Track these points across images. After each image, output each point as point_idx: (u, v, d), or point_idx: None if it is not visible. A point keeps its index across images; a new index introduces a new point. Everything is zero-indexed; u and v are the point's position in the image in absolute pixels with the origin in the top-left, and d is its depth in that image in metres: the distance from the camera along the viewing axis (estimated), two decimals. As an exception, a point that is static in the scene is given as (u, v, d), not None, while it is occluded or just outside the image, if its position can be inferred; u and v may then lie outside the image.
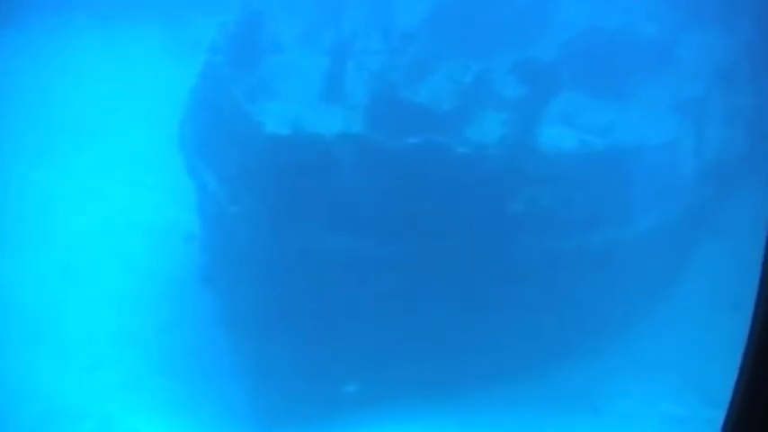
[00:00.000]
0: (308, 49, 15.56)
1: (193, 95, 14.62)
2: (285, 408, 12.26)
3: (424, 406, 12.60)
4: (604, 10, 17.30)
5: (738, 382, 3.21)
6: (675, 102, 16.04)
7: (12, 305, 14.30)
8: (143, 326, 14.27)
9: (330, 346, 12.10)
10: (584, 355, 13.64)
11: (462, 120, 13.34)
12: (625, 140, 14.00)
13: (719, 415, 3.40)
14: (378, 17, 16.19)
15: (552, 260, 12.49)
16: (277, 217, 11.60)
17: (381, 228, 11.77)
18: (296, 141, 11.54)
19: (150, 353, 13.68)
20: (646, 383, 13.79)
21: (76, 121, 18.79)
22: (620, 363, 13.90)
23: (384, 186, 11.61)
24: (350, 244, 11.75)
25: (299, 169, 11.53)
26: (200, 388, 13.00)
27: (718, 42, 18.78)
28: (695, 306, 15.04)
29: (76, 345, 13.76)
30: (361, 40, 15.58)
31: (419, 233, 11.85)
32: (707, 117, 15.84)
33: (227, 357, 12.69)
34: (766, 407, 3.13)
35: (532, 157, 12.12)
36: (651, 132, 14.45)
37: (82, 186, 17.81)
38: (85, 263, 15.79)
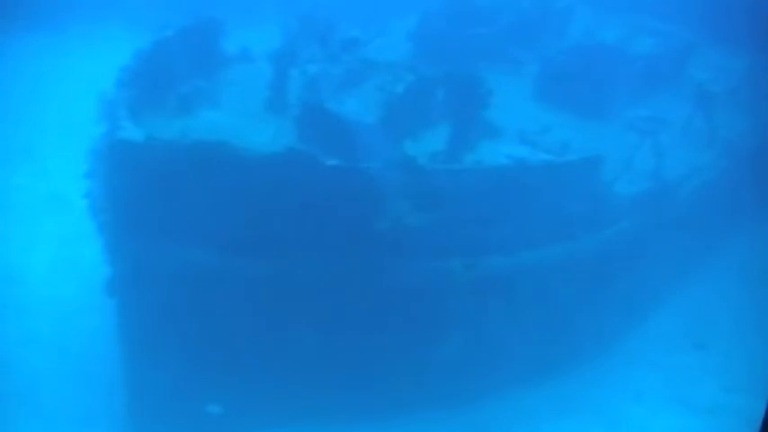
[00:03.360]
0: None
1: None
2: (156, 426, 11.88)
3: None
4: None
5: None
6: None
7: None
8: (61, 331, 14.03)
9: (195, 363, 11.65)
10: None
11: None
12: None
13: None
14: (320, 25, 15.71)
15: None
16: (146, 229, 11.22)
17: (251, 244, 11.27)
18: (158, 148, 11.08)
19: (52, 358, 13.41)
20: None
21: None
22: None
23: (253, 199, 11.13)
24: (218, 259, 11.32)
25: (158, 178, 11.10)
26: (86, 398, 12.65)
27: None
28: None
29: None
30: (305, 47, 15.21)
31: (290, 250, 11.35)
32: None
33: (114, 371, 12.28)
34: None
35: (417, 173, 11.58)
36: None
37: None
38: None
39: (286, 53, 14.49)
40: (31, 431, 12.31)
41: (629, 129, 15.75)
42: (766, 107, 16.88)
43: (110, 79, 12.50)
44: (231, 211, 11.23)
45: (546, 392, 13.36)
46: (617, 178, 13.77)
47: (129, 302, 11.70)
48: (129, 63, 12.95)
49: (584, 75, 16.31)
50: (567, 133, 14.45)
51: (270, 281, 11.46)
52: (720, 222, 16.19)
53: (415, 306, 11.98)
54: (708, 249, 16.57)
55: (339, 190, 11.20)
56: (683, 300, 16.03)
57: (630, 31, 17.86)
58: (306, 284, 11.55)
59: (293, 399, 12.03)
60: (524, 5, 18.27)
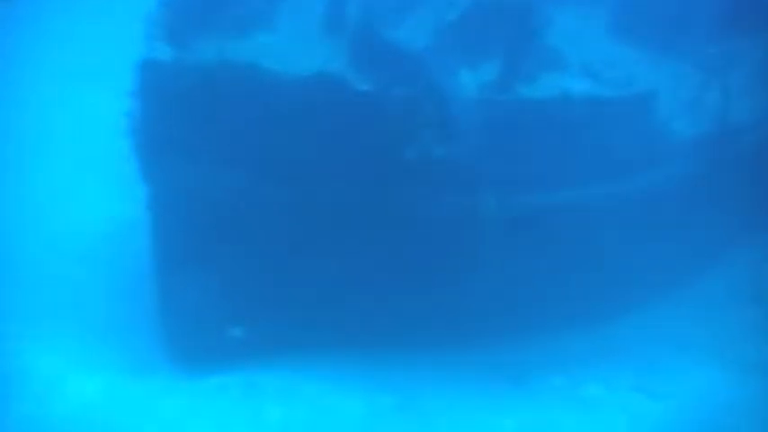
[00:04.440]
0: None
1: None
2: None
3: (320, 356, 12.11)
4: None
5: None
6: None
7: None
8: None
9: (221, 285, 11.66)
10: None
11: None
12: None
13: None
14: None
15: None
16: (178, 151, 11.18)
17: (280, 167, 11.15)
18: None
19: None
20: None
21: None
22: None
23: (284, 122, 10.95)
24: (248, 182, 11.22)
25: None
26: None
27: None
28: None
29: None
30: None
31: (318, 175, 11.18)
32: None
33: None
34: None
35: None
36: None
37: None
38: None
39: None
40: (70, 341, 12.48)
41: (700, 67, 15.02)
42: None
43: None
44: (263, 135, 11.13)
45: (584, 337, 12.94)
46: (674, 117, 13.20)
47: (162, 222, 11.70)
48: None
49: (664, 7, 15.60)
50: (635, 68, 13.87)
51: (297, 206, 11.35)
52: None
53: (445, 241, 11.70)
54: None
55: (370, 115, 10.96)
56: (743, 253, 15.33)
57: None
58: (333, 211, 11.41)
59: (316, 327, 11.98)
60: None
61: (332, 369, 12.06)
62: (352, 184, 11.38)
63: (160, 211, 11.60)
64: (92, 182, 16.33)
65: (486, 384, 12.13)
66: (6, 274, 13.76)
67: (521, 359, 12.55)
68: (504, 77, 12.59)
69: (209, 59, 11.42)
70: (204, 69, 11.02)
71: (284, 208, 11.40)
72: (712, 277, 14.91)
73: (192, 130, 11.15)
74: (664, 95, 13.27)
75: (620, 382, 12.38)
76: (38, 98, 18.56)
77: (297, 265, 11.72)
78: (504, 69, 12.65)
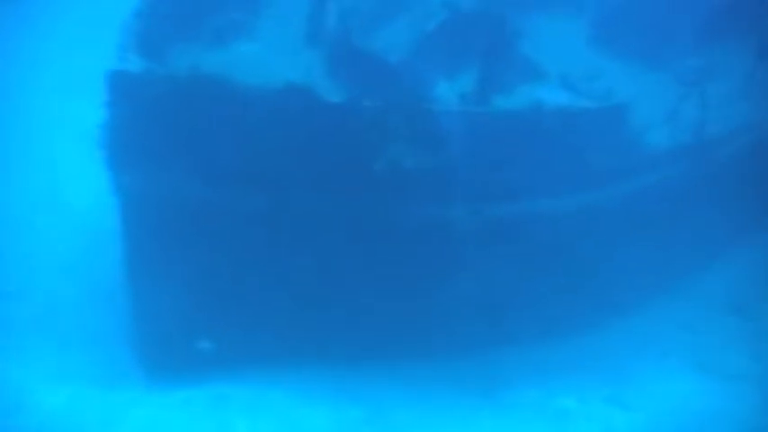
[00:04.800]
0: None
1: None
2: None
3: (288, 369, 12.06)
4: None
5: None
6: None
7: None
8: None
9: (193, 295, 11.62)
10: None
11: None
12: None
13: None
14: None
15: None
16: (149, 161, 11.17)
17: (250, 177, 11.13)
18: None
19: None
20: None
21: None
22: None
23: (254, 133, 10.93)
24: (218, 192, 11.20)
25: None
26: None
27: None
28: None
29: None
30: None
31: (289, 185, 11.17)
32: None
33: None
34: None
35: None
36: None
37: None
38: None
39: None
40: (38, 353, 12.47)
41: (679, 79, 15.01)
42: None
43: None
44: (234, 146, 11.10)
45: (559, 348, 12.91)
46: (652, 128, 13.19)
47: (131, 233, 11.68)
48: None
49: (647, 19, 15.61)
50: (613, 80, 13.85)
51: (266, 218, 11.34)
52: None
53: (416, 252, 11.70)
54: (756, 210, 15.72)
55: (340, 127, 10.95)
56: (724, 263, 15.30)
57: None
58: (303, 223, 11.40)
59: (284, 339, 11.91)
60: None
61: (300, 381, 12.01)
62: (324, 197, 11.38)
63: (130, 222, 11.56)
64: (66, 191, 16.29)
65: (456, 397, 12.07)
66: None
67: (493, 371, 12.50)
68: (480, 88, 12.59)
69: (181, 70, 11.43)
70: (175, 80, 10.99)
71: (253, 220, 11.38)
72: (692, 287, 14.90)
73: (163, 142, 11.13)
74: (641, 107, 13.28)
75: (594, 393, 12.32)
76: (15, 108, 18.56)
77: (266, 276, 11.67)
78: (480, 80, 12.66)
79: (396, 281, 11.91)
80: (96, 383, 11.85)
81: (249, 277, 11.68)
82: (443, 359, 12.41)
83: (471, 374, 12.44)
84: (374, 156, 11.04)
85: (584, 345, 13.20)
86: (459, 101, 12.23)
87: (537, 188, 12.17)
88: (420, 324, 12.19)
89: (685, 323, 14.13)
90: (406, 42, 13.15)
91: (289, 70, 12.67)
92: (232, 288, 11.72)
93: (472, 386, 12.25)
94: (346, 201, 11.41)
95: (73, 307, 13.45)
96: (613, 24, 15.77)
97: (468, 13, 13.57)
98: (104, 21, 19.19)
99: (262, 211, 11.34)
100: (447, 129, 11.29)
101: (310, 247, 11.55)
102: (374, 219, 11.49)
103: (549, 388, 12.37)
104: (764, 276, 15.23)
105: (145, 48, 11.50)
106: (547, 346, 12.90)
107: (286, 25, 14.37)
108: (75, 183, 16.40)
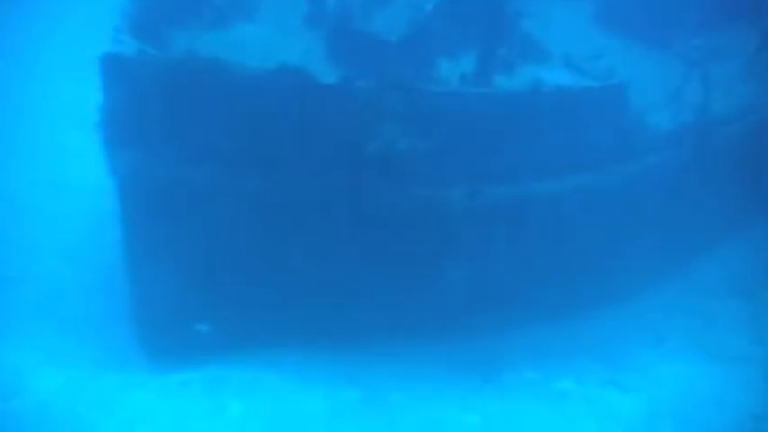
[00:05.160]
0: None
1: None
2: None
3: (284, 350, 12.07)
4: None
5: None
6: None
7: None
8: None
9: (188, 278, 11.60)
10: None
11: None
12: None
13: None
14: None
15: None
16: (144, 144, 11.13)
17: (244, 159, 11.10)
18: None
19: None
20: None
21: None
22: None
23: (248, 115, 10.87)
24: (212, 175, 11.16)
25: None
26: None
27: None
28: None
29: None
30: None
31: (283, 167, 11.15)
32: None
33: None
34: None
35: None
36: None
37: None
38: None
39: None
40: (35, 336, 12.50)
41: (684, 59, 14.86)
42: None
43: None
44: (229, 129, 11.04)
45: (559, 331, 12.86)
46: (655, 109, 13.08)
47: (128, 216, 11.66)
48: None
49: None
50: (616, 59, 13.72)
51: (262, 201, 11.29)
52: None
53: (413, 234, 11.63)
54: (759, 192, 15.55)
55: (335, 108, 10.90)
56: (730, 246, 15.18)
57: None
58: (299, 206, 11.35)
59: (281, 321, 11.91)
60: None
61: (296, 363, 12.00)
62: (320, 179, 11.32)
63: (127, 205, 11.54)
64: (69, 174, 16.30)
65: (454, 379, 12.03)
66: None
67: (492, 354, 12.45)
68: (480, 69, 12.51)
69: (176, 52, 11.41)
70: (169, 62, 10.95)
71: (249, 203, 11.33)
72: (694, 271, 14.79)
73: (158, 124, 11.09)
74: (645, 87, 13.18)
75: (593, 375, 12.27)
76: (19, 92, 18.57)
77: (261, 259, 11.64)
78: (480, 60, 12.58)
79: (393, 262, 11.85)
80: (94, 366, 11.89)
81: (245, 259, 11.64)
82: (440, 341, 12.35)
83: (469, 356, 12.39)
84: (369, 137, 10.98)
85: (583, 328, 13.14)
86: (459, 81, 12.20)
87: (537, 169, 12.07)
88: (417, 306, 12.14)
89: (687, 306, 14.03)
90: (405, 23, 13.01)
91: (288, 52, 12.67)
92: (228, 270, 11.69)
93: (470, 368, 12.22)
94: (343, 183, 11.34)
95: (73, 290, 13.47)
96: (618, 3, 15.64)
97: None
98: (111, 3, 19.35)
99: (257, 194, 11.29)
100: (443, 110, 11.21)
101: (306, 230, 11.50)
102: (371, 200, 11.43)
103: (548, 370, 12.32)
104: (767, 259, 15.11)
105: (139, 30, 11.46)
106: (545, 328, 12.84)
107: (286, 6, 14.32)
108: (78, 165, 16.38)
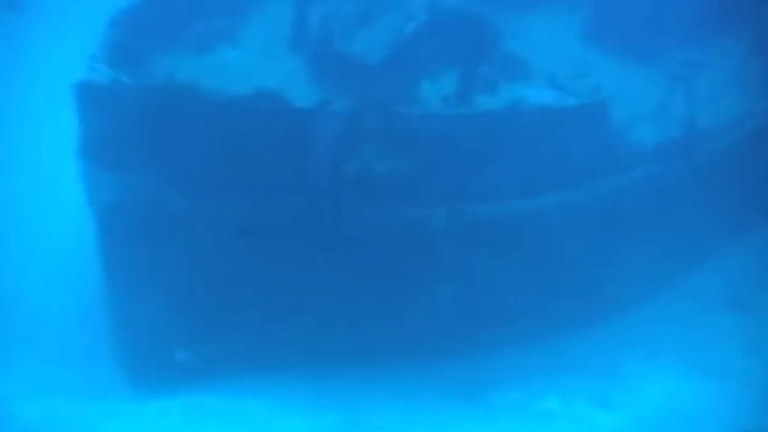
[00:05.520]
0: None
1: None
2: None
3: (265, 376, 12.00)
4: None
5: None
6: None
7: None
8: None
9: (168, 305, 11.56)
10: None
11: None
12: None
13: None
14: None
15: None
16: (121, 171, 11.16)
17: (224, 184, 11.11)
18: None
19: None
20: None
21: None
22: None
23: (224, 140, 10.91)
24: (190, 200, 11.16)
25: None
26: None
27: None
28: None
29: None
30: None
31: (263, 190, 11.18)
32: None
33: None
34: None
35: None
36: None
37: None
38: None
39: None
40: (16, 364, 12.48)
41: (668, 73, 14.81)
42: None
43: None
44: (207, 154, 11.07)
45: (545, 350, 12.73)
46: (639, 124, 13.03)
47: (108, 243, 11.67)
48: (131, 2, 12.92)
49: (639, 15, 15.44)
50: (600, 75, 13.71)
51: (241, 226, 11.30)
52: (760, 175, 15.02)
53: (395, 255, 11.60)
54: (748, 206, 15.42)
55: (311, 132, 10.91)
56: (722, 258, 15.05)
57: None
58: (279, 230, 11.35)
59: (266, 345, 11.88)
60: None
61: (277, 389, 11.94)
62: (299, 203, 11.32)
63: (105, 232, 11.55)
64: (54, 197, 16.25)
65: (438, 401, 11.95)
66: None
67: (476, 374, 12.36)
68: (461, 90, 12.52)
69: (153, 79, 11.45)
70: (143, 90, 10.98)
71: (228, 228, 11.33)
72: (686, 284, 14.66)
73: (134, 152, 11.12)
74: (630, 102, 13.17)
75: (578, 394, 12.17)
76: (8, 116, 18.57)
77: (242, 284, 11.61)
78: (461, 81, 12.58)
79: (375, 285, 11.80)
80: (75, 393, 11.85)
81: (226, 284, 11.62)
82: (424, 363, 12.27)
83: (453, 378, 12.30)
84: (347, 159, 10.99)
85: (572, 345, 13.01)
86: (441, 102, 12.21)
87: (520, 188, 12.04)
88: (400, 328, 12.08)
89: (678, 320, 13.91)
90: (387, 44, 13.03)
91: (271, 76, 12.72)
92: (209, 295, 11.66)
93: (454, 390, 12.13)
94: (323, 205, 11.34)
95: (58, 316, 13.43)
96: (605, 20, 15.60)
97: (449, 13, 13.48)
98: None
99: (237, 219, 11.28)
100: (422, 131, 11.21)
101: (286, 254, 11.48)
102: (352, 222, 11.41)
103: (533, 389, 12.22)
104: (761, 271, 14.97)
105: (118, 57, 11.50)
106: (532, 346, 12.72)
107: (270, 31, 14.39)
108: (66, 191, 16.34)
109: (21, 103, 18.93)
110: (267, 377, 11.99)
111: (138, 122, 10.97)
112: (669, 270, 14.50)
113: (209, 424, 11.38)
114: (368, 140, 11.02)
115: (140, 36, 12.54)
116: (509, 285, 12.34)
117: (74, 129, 11.52)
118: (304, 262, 11.54)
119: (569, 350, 12.95)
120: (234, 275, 11.55)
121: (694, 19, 15.59)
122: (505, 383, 12.31)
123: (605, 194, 12.77)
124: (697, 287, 14.70)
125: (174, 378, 11.79)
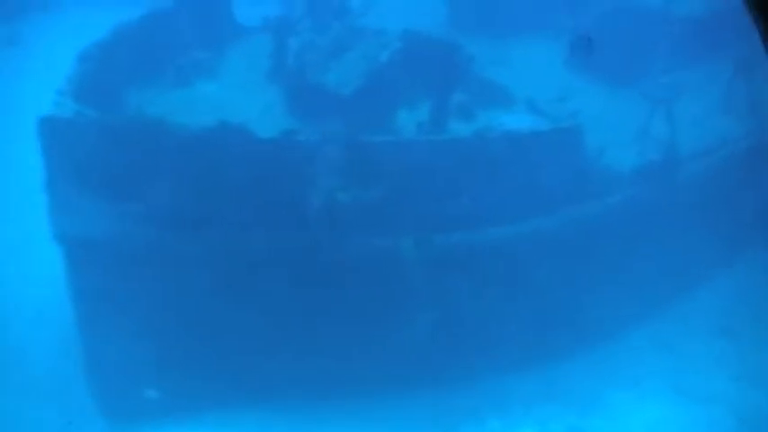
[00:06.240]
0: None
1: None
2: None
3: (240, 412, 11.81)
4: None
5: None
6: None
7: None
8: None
9: (136, 341, 11.39)
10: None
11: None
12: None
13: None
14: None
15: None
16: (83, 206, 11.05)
17: (189, 219, 10.91)
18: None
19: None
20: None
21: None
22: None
23: (189, 175, 10.80)
24: (158, 234, 11.00)
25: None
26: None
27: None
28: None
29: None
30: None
31: (230, 224, 10.96)
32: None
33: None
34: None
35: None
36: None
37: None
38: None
39: (282, 24, 14.25)
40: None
41: (649, 96, 14.65)
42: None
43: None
44: (173, 189, 10.97)
45: (527, 378, 12.51)
46: (616, 148, 12.87)
47: (76, 280, 11.57)
48: (104, 37, 12.90)
49: (621, 40, 15.32)
50: (584, 102, 13.57)
51: (212, 260, 11.14)
52: (746, 198, 14.78)
53: (367, 286, 11.41)
54: (734, 230, 15.13)
55: (274, 164, 10.81)
56: (709, 286, 14.82)
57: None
58: (247, 264, 11.17)
59: (236, 382, 11.72)
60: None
61: (251, 424, 11.76)
62: (270, 237, 11.17)
63: (74, 269, 11.44)
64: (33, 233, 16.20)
65: (418, 432, 11.76)
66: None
67: (456, 404, 12.14)
68: (435, 116, 12.43)
69: (117, 114, 11.42)
70: (108, 124, 10.94)
71: (196, 263, 11.16)
72: (674, 308, 14.41)
73: (99, 187, 11.04)
74: (609, 126, 13.03)
75: (558, 422, 11.95)
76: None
77: (212, 320, 11.42)
78: (435, 108, 12.49)
79: (348, 317, 11.59)
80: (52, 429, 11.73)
81: (195, 322, 11.42)
82: (400, 396, 12.04)
83: (433, 409, 12.09)
84: (311, 191, 10.86)
85: (555, 373, 12.79)
86: (416, 130, 12.11)
87: (493, 215, 11.86)
88: (375, 361, 11.84)
89: (663, 346, 13.66)
90: (360, 74, 12.97)
91: (249, 108, 12.68)
92: (180, 333, 11.49)
93: (432, 421, 11.91)
94: (291, 238, 11.20)
95: (35, 351, 13.27)
96: (589, 46, 15.48)
97: (423, 41, 13.42)
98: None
99: (207, 254, 11.13)
100: (393, 159, 11.09)
101: (259, 289, 11.27)
102: (320, 255, 11.23)
103: (512, 419, 12.00)
104: (749, 297, 14.70)
105: (82, 91, 11.45)
106: (514, 375, 12.50)
107: (248, 64, 14.39)
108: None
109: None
110: (241, 412, 11.82)
111: (104, 156, 10.88)
112: (654, 297, 14.26)
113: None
114: (332, 171, 10.87)
115: (110, 70, 12.49)
116: (489, 313, 12.13)
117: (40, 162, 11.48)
118: (277, 297, 11.33)
119: (554, 377, 12.73)
120: (205, 311, 11.36)
121: (681, 42, 15.50)
122: (485, 412, 12.09)
123: (582, 220, 12.56)
124: (682, 313, 14.45)
125: (148, 415, 11.62)
